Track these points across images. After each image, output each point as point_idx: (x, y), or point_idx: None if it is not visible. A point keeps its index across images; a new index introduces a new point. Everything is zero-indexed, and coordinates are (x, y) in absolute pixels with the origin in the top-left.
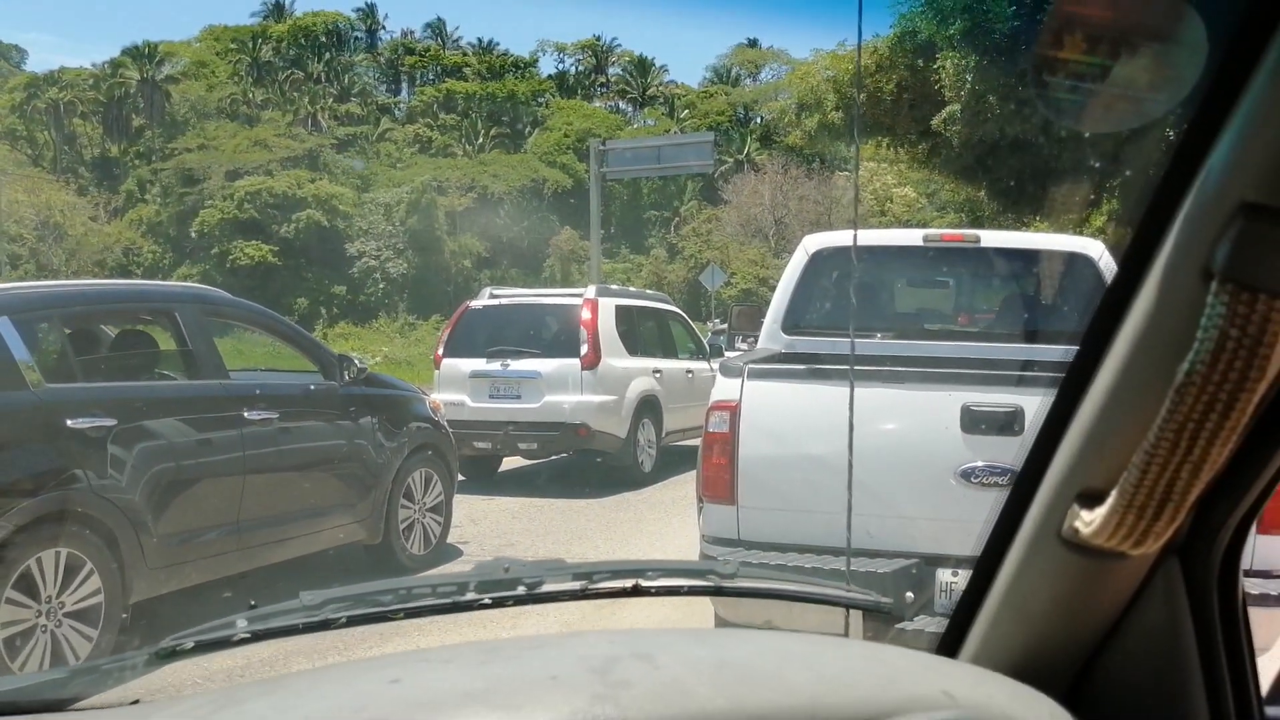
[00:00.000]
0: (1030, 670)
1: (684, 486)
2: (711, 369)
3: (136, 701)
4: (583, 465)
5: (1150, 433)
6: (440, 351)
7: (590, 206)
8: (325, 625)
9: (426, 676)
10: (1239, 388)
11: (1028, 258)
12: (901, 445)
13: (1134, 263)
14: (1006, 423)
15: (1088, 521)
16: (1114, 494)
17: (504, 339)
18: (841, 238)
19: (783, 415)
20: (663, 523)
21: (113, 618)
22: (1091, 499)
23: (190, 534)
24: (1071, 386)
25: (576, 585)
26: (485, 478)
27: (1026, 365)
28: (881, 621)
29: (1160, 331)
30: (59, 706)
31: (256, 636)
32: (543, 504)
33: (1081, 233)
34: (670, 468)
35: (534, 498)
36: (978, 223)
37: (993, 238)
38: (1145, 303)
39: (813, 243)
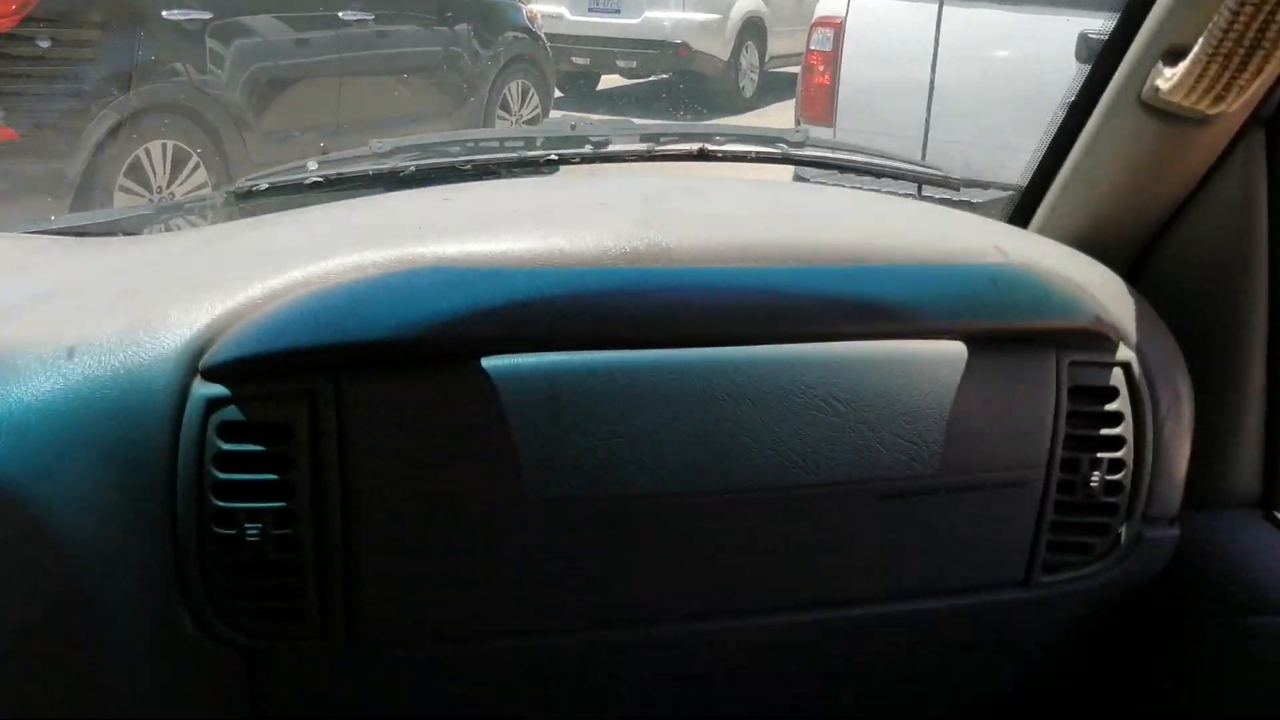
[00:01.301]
0: (1093, 243)
1: (785, 114)
2: None
3: None
4: (682, 86)
5: None
6: None
7: None
8: (393, 174)
9: (479, 197)
10: None
11: None
12: (1011, 72)
13: None
14: None
15: (1169, 77)
16: (1200, 42)
17: None
18: None
19: (890, 35)
20: None
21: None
22: (1177, 56)
23: (290, 133)
24: None
25: (643, 147)
26: (584, 94)
27: None
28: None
29: None
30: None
31: (328, 181)
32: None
33: None
34: (772, 93)
35: (632, 116)
36: None
37: None
38: None
39: None
